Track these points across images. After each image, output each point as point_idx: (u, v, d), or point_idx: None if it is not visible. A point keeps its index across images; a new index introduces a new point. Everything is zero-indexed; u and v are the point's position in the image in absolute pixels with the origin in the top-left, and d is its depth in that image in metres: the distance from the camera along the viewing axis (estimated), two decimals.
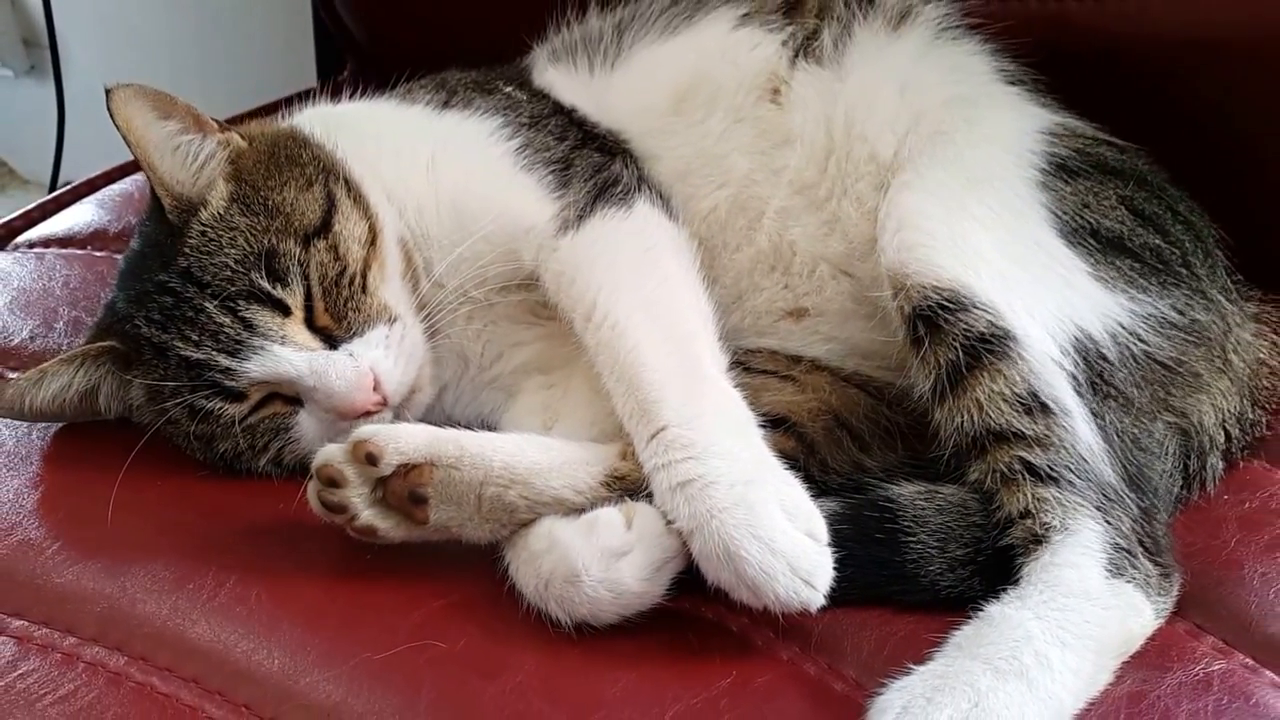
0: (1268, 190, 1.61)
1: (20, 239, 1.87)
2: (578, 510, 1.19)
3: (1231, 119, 1.59)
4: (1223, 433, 1.35)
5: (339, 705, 1.10)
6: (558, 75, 1.59)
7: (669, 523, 1.15)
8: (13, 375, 1.50)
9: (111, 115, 1.30)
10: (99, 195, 1.95)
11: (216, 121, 1.39)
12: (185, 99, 1.36)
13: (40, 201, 1.97)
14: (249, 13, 3.06)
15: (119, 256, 1.53)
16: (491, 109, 1.49)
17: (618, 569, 1.12)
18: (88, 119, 2.92)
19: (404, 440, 1.19)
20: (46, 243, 1.85)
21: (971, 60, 1.51)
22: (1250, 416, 1.39)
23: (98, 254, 1.80)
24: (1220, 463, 1.34)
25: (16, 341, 1.60)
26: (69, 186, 2.00)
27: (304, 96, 1.68)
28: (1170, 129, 1.51)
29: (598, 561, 1.12)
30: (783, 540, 1.11)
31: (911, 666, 1.07)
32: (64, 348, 1.55)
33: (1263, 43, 1.53)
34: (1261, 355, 1.44)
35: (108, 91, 1.30)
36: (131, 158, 1.88)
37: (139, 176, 1.96)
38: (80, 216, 1.89)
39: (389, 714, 1.09)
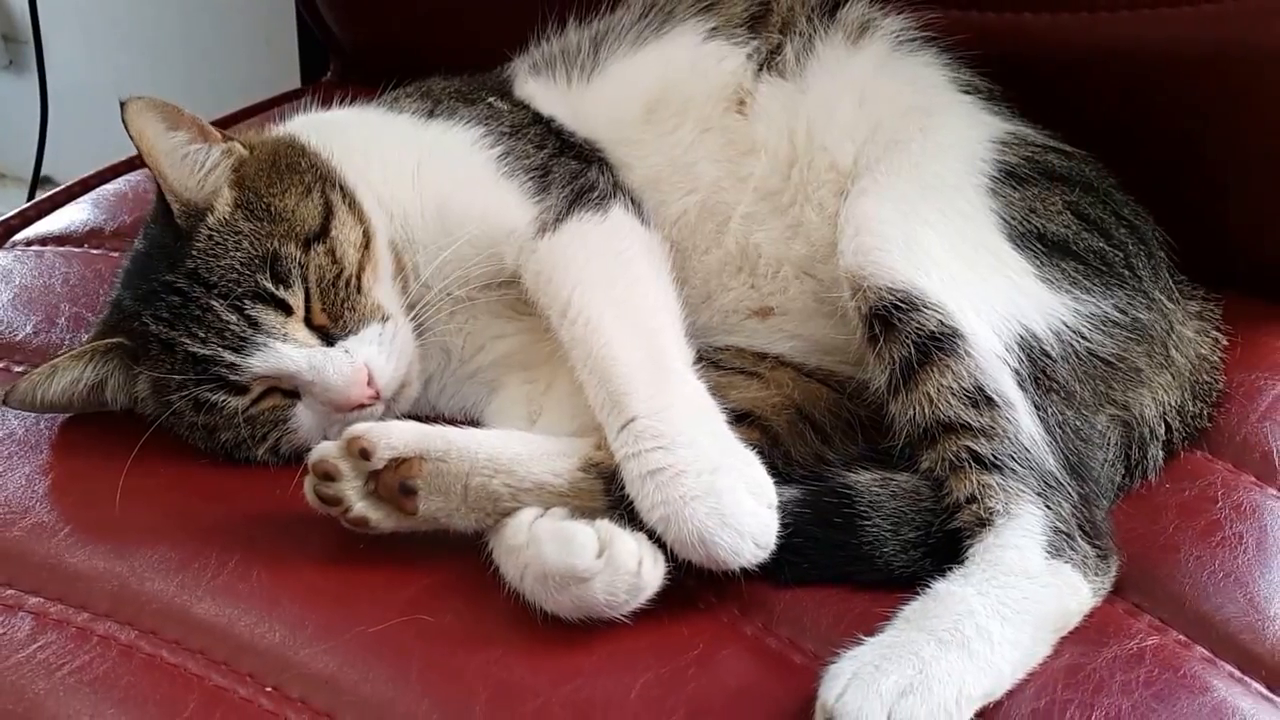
0: (1211, 194, 1.64)
1: (18, 237, 1.87)
2: (558, 494, 1.24)
3: (1179, 125, 1.61)
4: (1163, 425, 1.39)
5: (335, 674, 1.15)
6: (538, 87, 1.61)
7: (642, 517, 1.18)
8: (18, 369, 1.53)
9: (125, 126, 1.34)
10: (93, 195, 1.95)
11: (220, 131, 1.42)
12: (172, 98, 1.38)
13: (36, 200, 1.97)
14: (232, 10, 3.04)
15: (116, 254, 1.55)
16: (474, 118, 1.51)
17: (580, 589, 1.15)
18: (70, 115, 2.88)
19: (395, 435, 1.23)
20: (44, 241, 1.84)
21: (927, 71, 1.53)
22: (1191, 409, 1.42)
23: (94, 252, 1.80)
24: (1161, 453, 1.38)
25: (21, 336, 1.60)
26: (63, 186, 2.00)
27: (291, 97, 1.69)
28: (1121, 135, 1.53)
29: (561, 573, 1.15)
30: (749, 522, 1.16)
31: (864, 638, 1.12)
32: (66, 342, 1.57)
33: (1208, 56, 1.56)
34: (1203, 351, 1.47)
35: (122, 104, 1.33)
36: (123, 158, 1.94)
37: (131, 176, 1.96)
38: (76, 215, 1.88)
39: (381, 682, 1.14)
